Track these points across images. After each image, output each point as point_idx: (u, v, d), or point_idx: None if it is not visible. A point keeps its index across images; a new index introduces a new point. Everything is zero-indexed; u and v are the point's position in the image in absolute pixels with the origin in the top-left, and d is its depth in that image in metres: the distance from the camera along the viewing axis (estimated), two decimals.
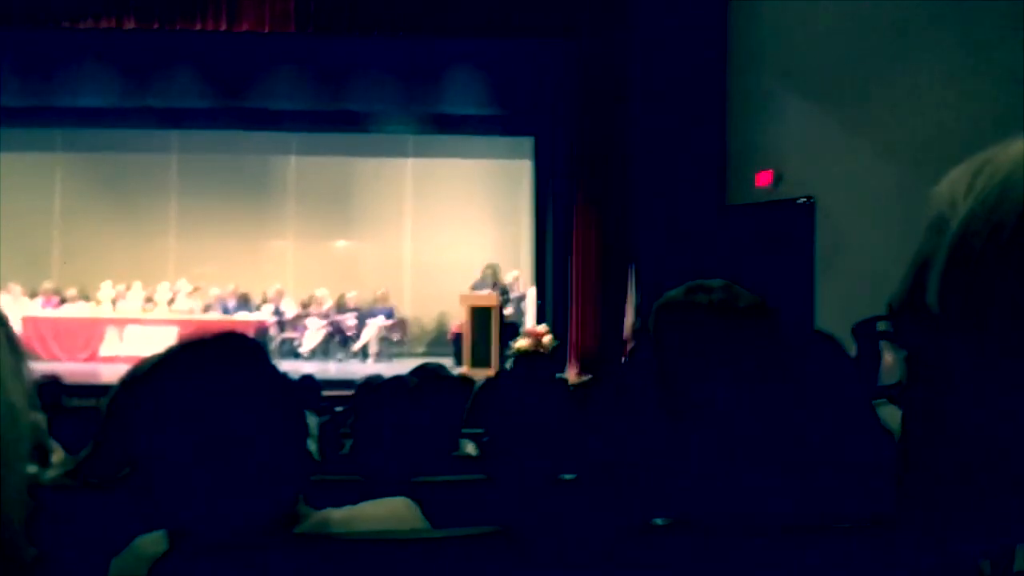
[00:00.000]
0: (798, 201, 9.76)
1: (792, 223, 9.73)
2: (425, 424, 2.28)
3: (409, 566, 1.35)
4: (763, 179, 10.27)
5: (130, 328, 12.08)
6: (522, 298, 12.39)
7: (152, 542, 1.34)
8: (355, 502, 1.42)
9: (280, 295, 13.18)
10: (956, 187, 0.57)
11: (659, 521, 1.24)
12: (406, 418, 2.27)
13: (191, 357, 1.31)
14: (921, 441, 0.56)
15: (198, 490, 1.26)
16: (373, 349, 12.78)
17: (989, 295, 0.52)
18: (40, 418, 3.11)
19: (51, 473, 2.33)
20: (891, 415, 1.54)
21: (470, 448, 2.51)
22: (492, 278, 12.13)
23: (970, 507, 0.54)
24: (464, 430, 2.87)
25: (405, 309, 13.71)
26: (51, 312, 12.41)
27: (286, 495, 1.30)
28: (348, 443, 2.80)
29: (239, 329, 1.49)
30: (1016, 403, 0.51)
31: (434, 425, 2.32)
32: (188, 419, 1.25)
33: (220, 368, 1.29)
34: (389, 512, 1.44)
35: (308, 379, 6.37)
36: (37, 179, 13.54)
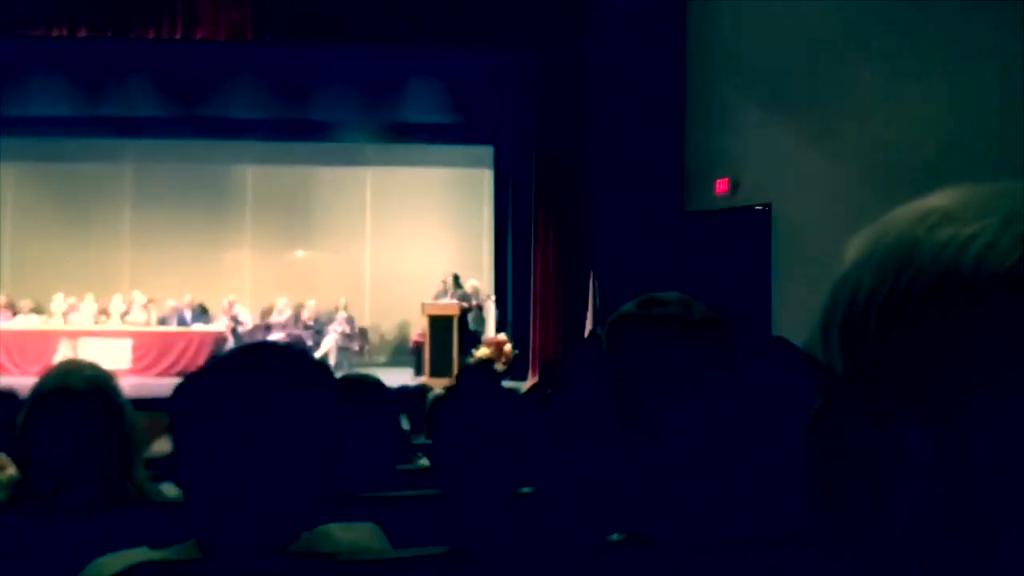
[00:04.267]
0: (755, 208, 9.85)
1: (749, 230, 9.82)
2: (363, 437, 2.26)
3: None
4: (721, 187, 10.36)
5: (84, 340, 11.89)
6: (483, 307, 12.37)
7: (111, 562, 1.32)
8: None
9: (239, 306, 13.04)
10: (861, 248, 0.60)
11: (615, 537, 1.23)
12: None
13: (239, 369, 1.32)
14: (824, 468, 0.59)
15: (233, 501, 1.26)
16: (333, 359, 12.69)
17: (880, 352, 0.55)
18: None
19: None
20: None
21: (425, 462, 2.49)
22: (453, 287, 12.11)
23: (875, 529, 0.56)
24: (418, 442, 2.85)
25: (365, 319, 13.63)
26: (3, 325, 12.18)
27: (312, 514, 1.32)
28: None
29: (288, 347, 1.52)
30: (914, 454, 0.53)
31: (373, 438, 2.29)
32: (235, 431, 1.26)
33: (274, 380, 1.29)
34: (358, 536, 1.44)
35: None
36: None
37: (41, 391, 2.04)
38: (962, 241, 0.54)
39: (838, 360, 0.58)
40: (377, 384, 2.54)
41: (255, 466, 1.24)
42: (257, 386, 1.27)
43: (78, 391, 2.01)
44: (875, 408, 0.55)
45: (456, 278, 12.27)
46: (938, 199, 0.58)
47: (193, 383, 1.31)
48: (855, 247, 0.60)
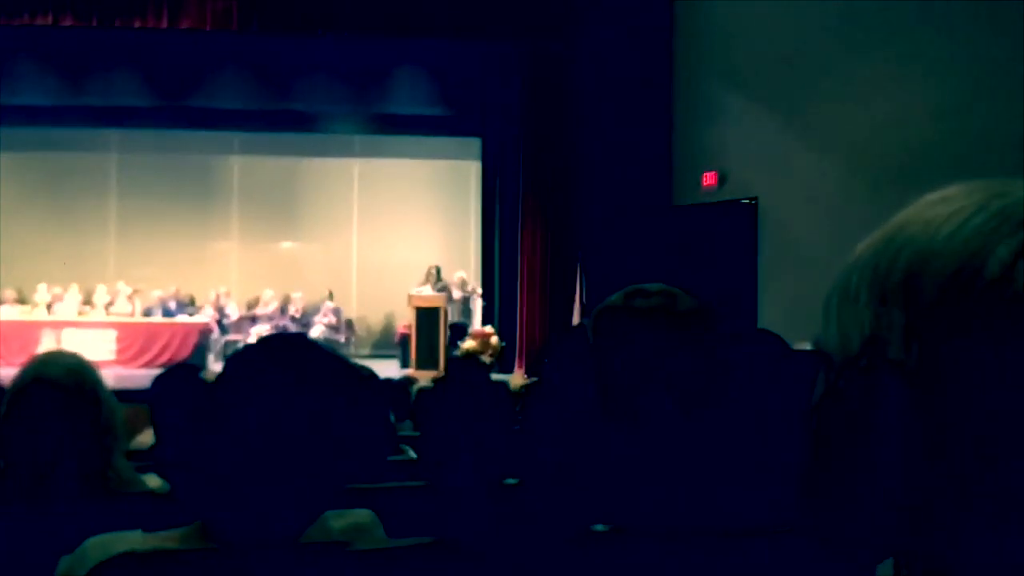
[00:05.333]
0: (742, 202, 9.87)
1: (736, 223, 9.84)
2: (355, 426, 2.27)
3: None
4: (708, 180, 10.37)
5: (67, 331, 11.82)
6: (469, 299, 12.36)
7: (104, 544, 1.31)
8: None
9: (224, 297, 12.99)
10: (873, 242, 0.62)
11: (599, 528, 1.23)
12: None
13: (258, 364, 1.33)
14: (828, 454, 0.60)
15: (246, 491, 1.26)
16: None
17: (893, 342, 0.57)
18: None
19: None
20: None
21: (412, 453, 2.49)
22: (435, 279, 12.10)
23: (866, 519, 0.58)
24: (406, 434, 2.85)
25: (351, 310, 13.60)
26: None
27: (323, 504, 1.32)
28: None
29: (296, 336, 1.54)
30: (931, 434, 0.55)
31: (365, 428, 2.30)
32: (250, 423, 1.26)
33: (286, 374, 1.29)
34: (353, 524, 1.44)
35: None
36: None
37: (19, 382, 2.03)
38: (944, 217, 0.57)
39: (834, 334, 0.60)
40: (371, 376, 2.54)
41: (274, 456, 1.25)
42: (279, 379, 1.28)
43: (56, 381, 2.00)
44: (886, 395, 0.57)
45: (438, 270, 12.25)
46: (954, 194, 0.60)
47: (181, 375, 1.32)
48: (867, 243, 0.63)
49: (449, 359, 8.77)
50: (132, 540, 1.31)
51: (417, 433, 2.52)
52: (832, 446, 0.59)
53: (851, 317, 0.59)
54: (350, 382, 1.33)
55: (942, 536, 0.54)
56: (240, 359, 1.36)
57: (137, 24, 10.74)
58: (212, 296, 12.97)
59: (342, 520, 1.42)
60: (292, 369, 1.29)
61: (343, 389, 1.31)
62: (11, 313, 12.30)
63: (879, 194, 7.63)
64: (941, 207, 0.58)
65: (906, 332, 0.55)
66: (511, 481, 1.90)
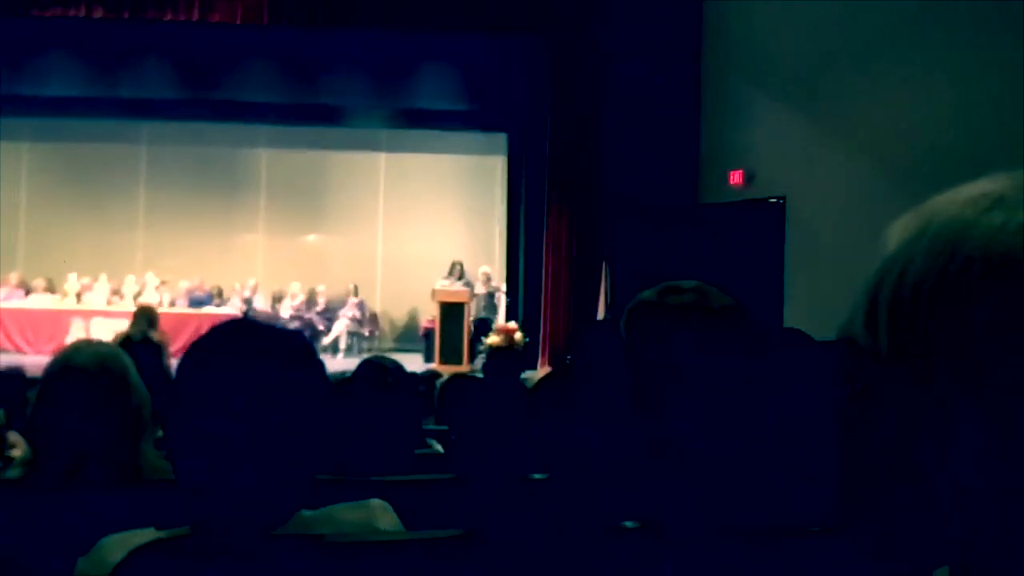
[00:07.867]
0: (769, 201, 9.81)
1: (763, 222, 9.77)
2: (384, 420, 2.26)
3: (383, 569, 1.33)
4: (735, 179, 10.31)
5: (96, 320, 11.93)
6: (493, 294, 12.37)
7: (119, 542, 1.31)
8: (324, 501, 1.40)
9: (253, 289, 13.08)
10: (907, 230, 0.60)
11: (628, 524, 1.22)
12: (363, 415, 2.25)
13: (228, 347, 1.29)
14: (858, 454, 0.59)
15: (228, 485, 1.24)
16: (343, 344, 12.71)
17: (930, 333, 0.56)
18: None
19: (12, 472, 2.28)
20: None
21: (437, 447, 2.49)
22: (459, 274, 12.12)
23: (903, 519, 0.57)
24: (431, 427, 2.85)
25: (376, 304, 13.64)
26: (16, 303, 12.23)
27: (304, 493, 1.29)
28: None
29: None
30: (952, 434, 0.54)
31: (394, 421, 2.29)
32: (227, 413, 1.23)
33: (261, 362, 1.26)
34: (364, 515, 1.42)
35: None
36: (3, 169, 13.33)
37: (50, 369, 2.04)
38: (1016, 225, 0.54)
39: (884, 340, 0.58)
40: (398, 368, 2.54)
41: (235, 447, 1.22)
42: (237, 366, 1.24)
43: (84, 368, 2.00)
44: (926, 389, 0.55)
45: (461, 265, 12.27)
46: (988, 184, 0.58)
47: (182, 364, 1.30)
48: (900, 229, 0.61)
49: (488, 350, 8.74)
50: (143, 537, 1.30)
51: (441, 427, 2.52)
52: (877, 449, 0.57)
53: (885, 316, 0.58)
54: (305, 366, 1.28)
55: (1004, 546, 0.53)
56: (192, 352, 1.31)
57: (168, 17, 10.82)
58: (241, 287, 13.07)
59: (352, 512, 1.41)
60: (247, 357, 1.25)
61: (299, 374, 1.27)
62: (41, 302, 12.44)
63: (907, 195, 7.54)
64: (979, 202, 0.56)
65: (982, 345, 0.54)
66: (538, 476, 1.90)
